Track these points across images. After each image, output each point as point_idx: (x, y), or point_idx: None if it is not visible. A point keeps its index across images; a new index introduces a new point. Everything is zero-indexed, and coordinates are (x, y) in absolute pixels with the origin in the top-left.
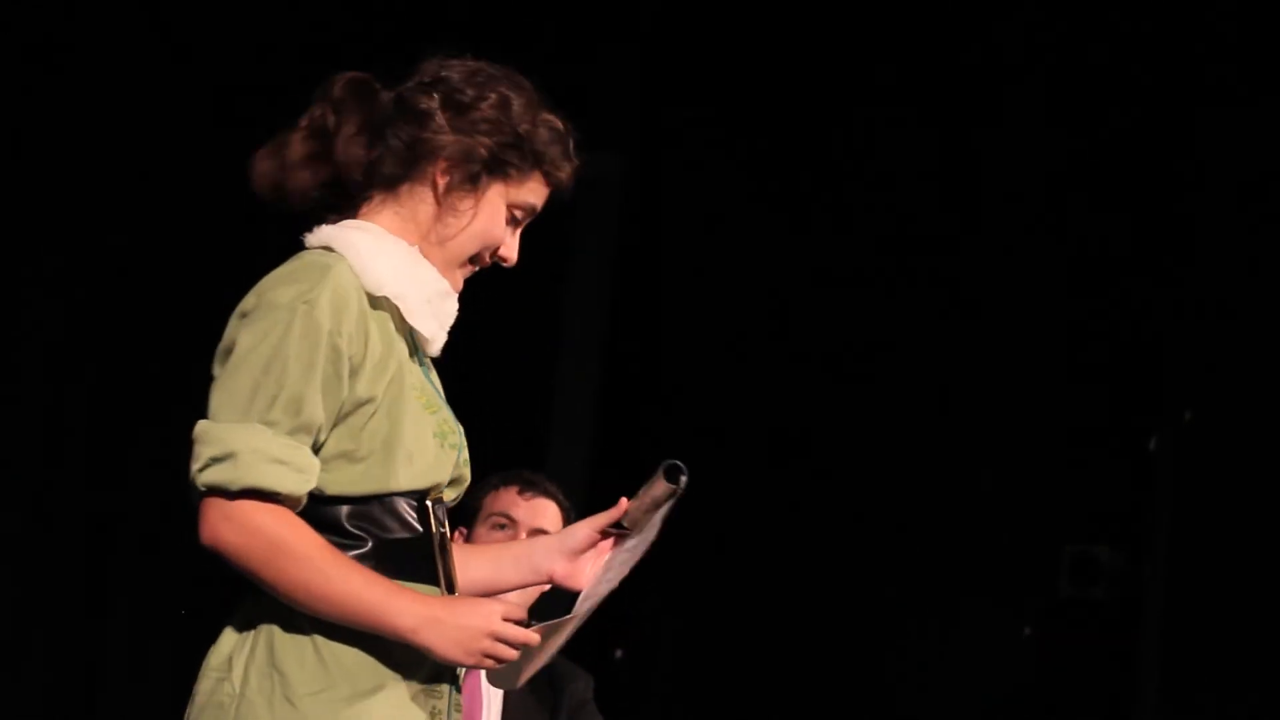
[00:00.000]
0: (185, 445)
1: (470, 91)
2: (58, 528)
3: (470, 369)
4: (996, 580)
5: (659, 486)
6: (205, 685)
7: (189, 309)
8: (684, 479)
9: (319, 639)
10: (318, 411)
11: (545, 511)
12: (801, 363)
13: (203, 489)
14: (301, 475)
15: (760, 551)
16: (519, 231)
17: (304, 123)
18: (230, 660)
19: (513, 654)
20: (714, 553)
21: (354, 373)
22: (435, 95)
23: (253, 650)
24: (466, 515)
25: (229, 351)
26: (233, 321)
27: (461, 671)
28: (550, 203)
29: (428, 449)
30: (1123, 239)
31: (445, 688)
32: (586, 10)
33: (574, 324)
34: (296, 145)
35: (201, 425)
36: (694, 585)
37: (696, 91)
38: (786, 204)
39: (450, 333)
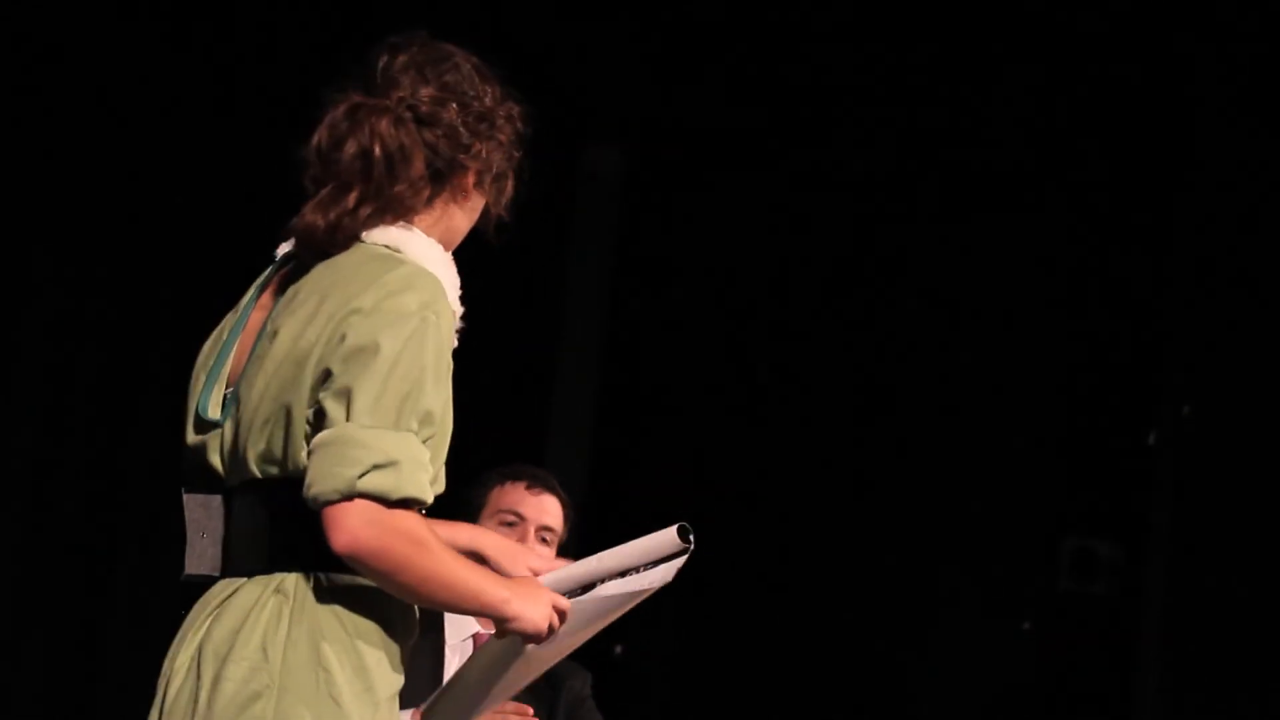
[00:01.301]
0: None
1: (479, 94)
2: (57, 527)
3: (470, 368)
4: (996, 575)
5: (666, 541)
6: (235, 671)
7: (189, 308)
8: (691, 539)
9: (358, 640)
10: (438, 422)
11: (551, 508)
12: (802, 360)
13: (357, 493)
14: (430, 486)
15: (760, 547)
16: None
17: (356, 169)
18: (265, 649)
19: (558, 624)
20: (713, 549)
21: (449, 384)
22: (449, 108)
23: (291, 641)
24: (466, 511)
25: (361, 350)
26: (343, 315)
27: (453, 664)
28: (549, 197)
29: (442, 462)
30: (1123, 235)
31: None
32: (588, 6)
33: (574, 323)
34: (359, 202)
35: (347, 430)
36: (693, 582)
37: (698, 87)
38: (787, 201)
39: None
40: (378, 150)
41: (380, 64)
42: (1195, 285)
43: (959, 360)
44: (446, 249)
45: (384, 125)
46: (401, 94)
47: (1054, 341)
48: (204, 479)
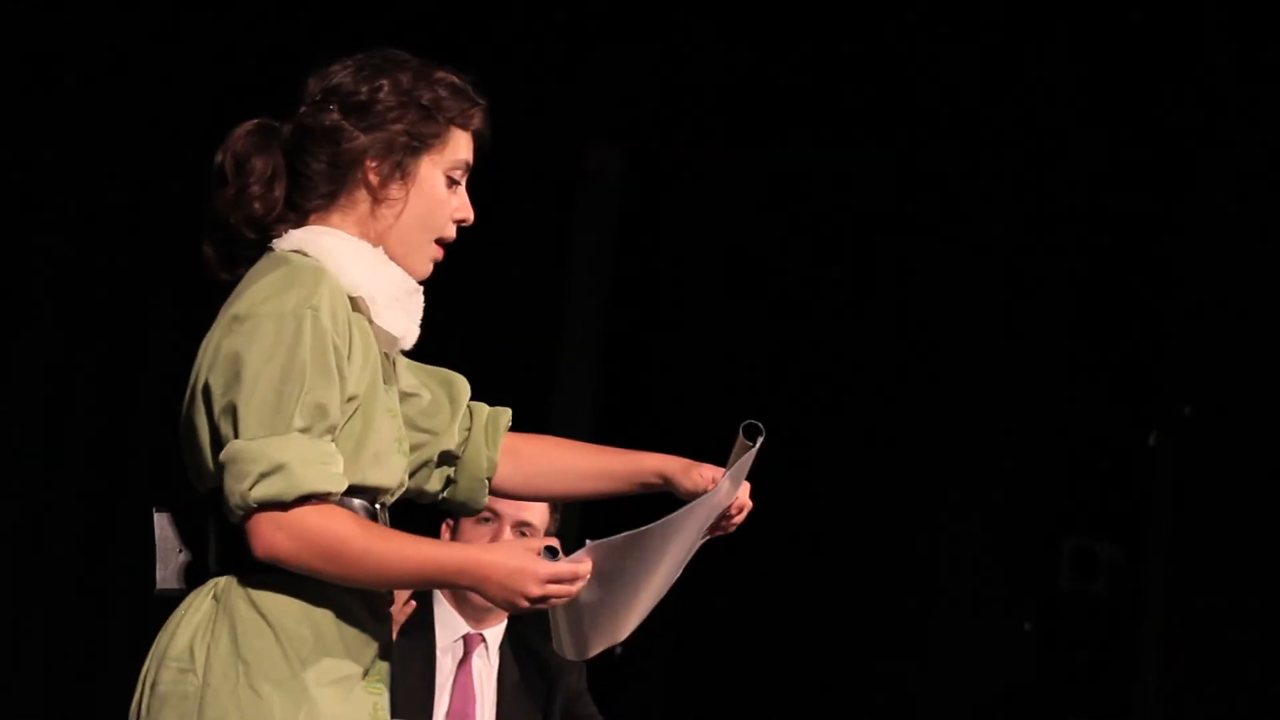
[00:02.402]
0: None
1: (364, 89)
2: (58, 526)
3: (470, 366)
4: (996, 574)
5: (744, 451)
6: (166, 675)
7: (190, 305)
8: (760, 438)
9: (279, 630)
10: (336, 411)
11: (529, 504)
12: (802, 359)
13: (254, 505)
14: (341, 473)
15: (759, 546)
16: (463, 189)
17: (223, 185)
18: (191, 651)
19: (569, 590)
20: (713, 548)
21: (344, 373)
22: (333, 107)
23: (214, 640)
24: None
25: (235, 360)
26: (225, 325)
27: (446, 666)
28: (549, 197)
29: (390, 451)
30: (1123, 236)
31: (385, 673)
32: (589, 6)
33: (574, 323)
34: (228, 210)
35: (236, 446)
36: (693, 580)
37: (698, 86)
38: (788, 200)
39: (450, 330)
40: (226, 161)
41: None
42: (1196, 285)
43: (959, 360)
44: (388, 245)
45: (239, 143)
46: (301, 109)
47: (1054, 341)
48: (186, 496)
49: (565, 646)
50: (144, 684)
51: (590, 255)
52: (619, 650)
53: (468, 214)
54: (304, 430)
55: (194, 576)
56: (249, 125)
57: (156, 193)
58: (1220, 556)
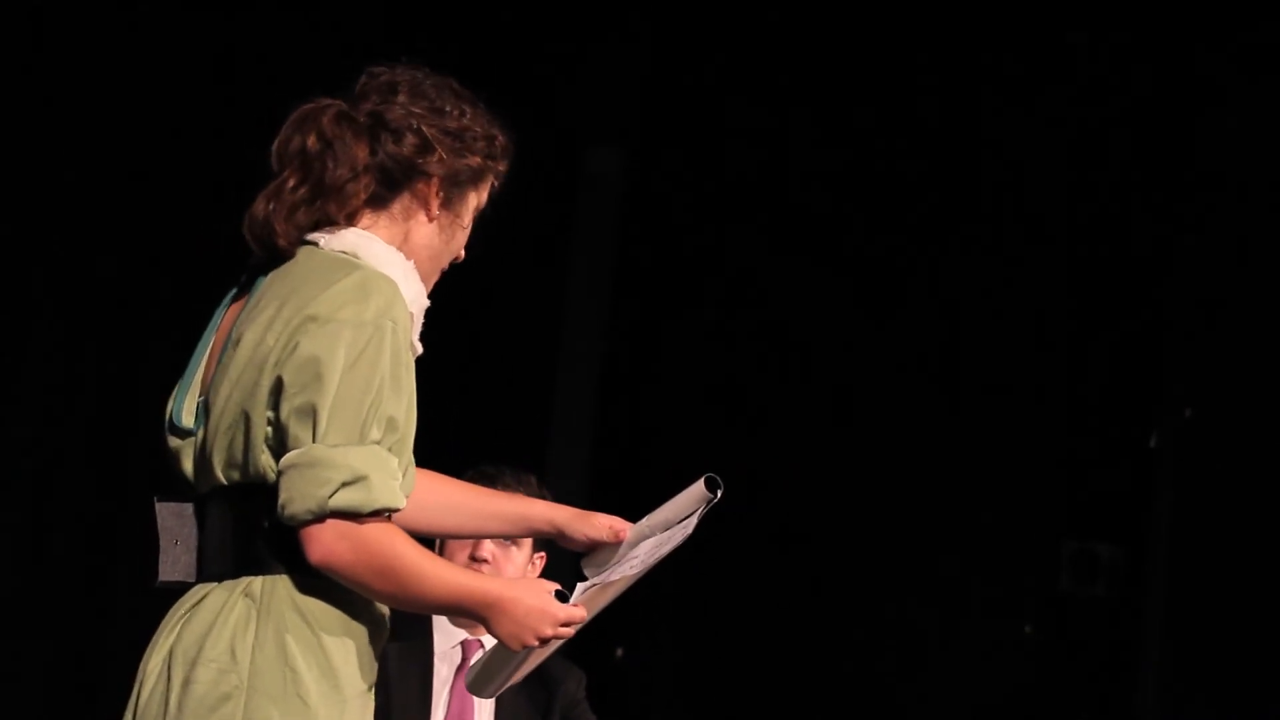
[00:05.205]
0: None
1: (438, 106)
2: (59, 527)
3: (471, 366)
4: (997, 577)
5: (696, 494)
6: (204, 674)
7: (191, 307)
8: (720, 491)
9: (325, 640)
10: (402, 426)
11: None
12: (802, 360)
13: (329, 512)
14: (404, 490)
15: (760, 549)
16: None
17: (296, 161)
18: (233, 651)
19: (570, 633)
20: (714, 551)
21: (409, 387)
22: (414, 115)
23: (258, 643)
24: None
25: (318, 363)
26: (299, 324)
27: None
28: (549, 197)
29: (411, 464)
30: (1124, 237)
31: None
32: (588, 8)
33: (574, 323)
34: (296, 186)
35: (318, 451)
36: (694, 584)
37: (698, 87)
38: (788, 200)
39: (451, 331)
40: (313, 140)
41: (358, 85)
42: (1197, 288)
43: (961, 363)
44: (416, 262)
45: (325, 120)
46: (368, 105)
47: (1055, 344)
48: (179, 487)
49: (480, 683)
50: (168, 680)
51: (590, 255)
52: (620, 653)
53: (463, 253)
54: (379, 443)
55: (201, 570)
56: (333, 109)
57: (156, 188)
58: (1220, 558)
